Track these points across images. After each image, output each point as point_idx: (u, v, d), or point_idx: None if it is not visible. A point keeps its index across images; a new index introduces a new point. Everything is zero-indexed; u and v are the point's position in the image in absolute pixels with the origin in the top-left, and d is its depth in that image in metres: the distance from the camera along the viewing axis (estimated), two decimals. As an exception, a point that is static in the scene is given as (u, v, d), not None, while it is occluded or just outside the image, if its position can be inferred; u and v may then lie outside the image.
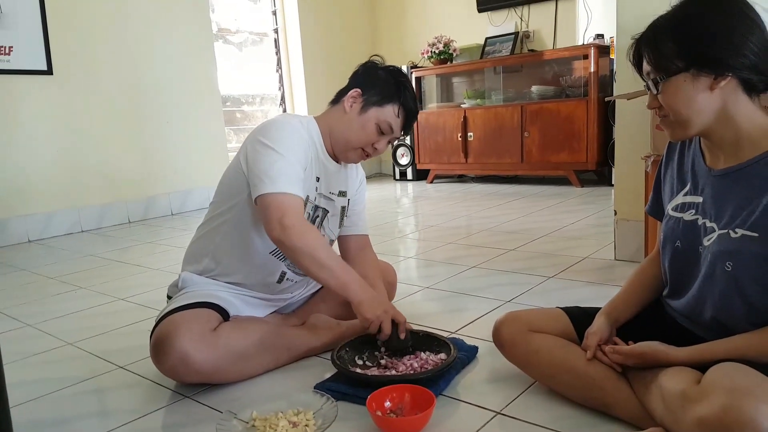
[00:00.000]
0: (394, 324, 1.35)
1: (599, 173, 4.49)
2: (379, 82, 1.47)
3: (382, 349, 1.40)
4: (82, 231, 3.76)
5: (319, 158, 1.49)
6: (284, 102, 5.41)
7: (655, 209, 1.21)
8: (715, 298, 0.99)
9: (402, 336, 1.36)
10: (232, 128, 4.99)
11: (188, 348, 1.28)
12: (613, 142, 4.06)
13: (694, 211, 1.04)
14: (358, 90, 1.47)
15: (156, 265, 2.70)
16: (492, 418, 1.16)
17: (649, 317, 1.16)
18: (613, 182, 4.19)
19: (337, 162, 1.54)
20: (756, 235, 0.92)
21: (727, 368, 0.87)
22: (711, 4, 0.94)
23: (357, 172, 1.67)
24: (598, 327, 1.14)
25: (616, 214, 2.25)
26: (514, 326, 1.23)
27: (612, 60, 4.07)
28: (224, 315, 1.43)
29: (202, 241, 1.56)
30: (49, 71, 3.54)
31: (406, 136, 1.55)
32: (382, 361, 1.38)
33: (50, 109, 3.59)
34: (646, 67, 1.00)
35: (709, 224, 1.00)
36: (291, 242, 1.30)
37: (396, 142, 5.30)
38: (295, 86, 5.40)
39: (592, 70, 4.09)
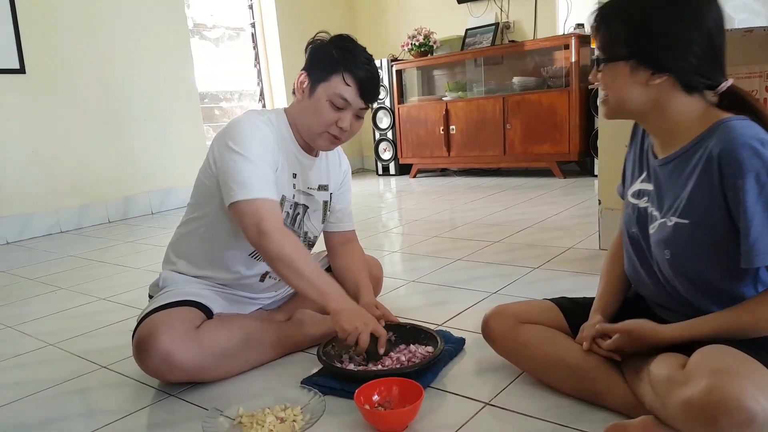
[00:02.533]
0: (374, 337, 1.28)
1: (581, 164, 4.52)
2: (320, 57, 1.37)
3: (354, 356, 1.35)
4: (62, 231, 3.69)
5: (292, 153, 1.44)
6: (263, 97, 5.36)
7: (624, 192, 1.21)
8: (669, 285, 1.02)
9: (381, 351, 1.29)
10: (210, 125, 4.92)
11: (171, 347, 1.26)
12: (596, 133, 4.10)
13: (647, 198, 1.07)
14: (304, 72, 1.40)
15: (137, 265, 2.66)
16: (481, 409, 1.16)
17: (634, 310, 1.15)
18: (595, 172, 4.24)
19: (312, 154, 1.50)
20: (687, 221, 0.95)
21: (711, 350, 0.88)
22: (668, 3, 0.94)
23: (340, 163, 1.62)
24: (594, 323, 1.13)
25: (600, 203, 2.26)
26: (503, 319, 1.22)
27: (593, 50, 4.09)
28: (207, 313, 1.41)
29: (179, 244, 1.53)
30: (21, 70, 3.45)
31: (372, 102, 1.42)
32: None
33: (23, 109, 3.50)
34: (595, 41, 1.02)
35: (654, 212, 1.03)
36: (269, 249, 1.27)
37: (378, 137, 5.29)
38: (273, 81, 5.35)
39: (573, 59, 4.11)
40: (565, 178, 4.32)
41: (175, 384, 1.35)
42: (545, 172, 4.58)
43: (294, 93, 1.45)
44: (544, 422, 1.09)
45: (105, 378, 1.46)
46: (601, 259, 2.12)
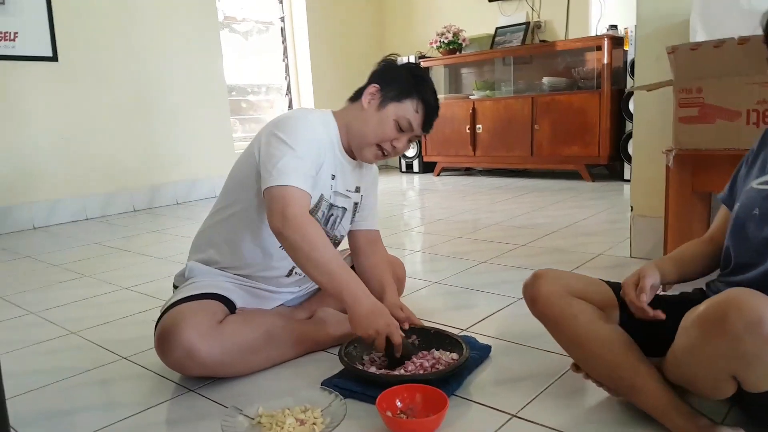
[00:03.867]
0: (390, 341, 1.26)
1: (611, 168, 4.42)
2: (397, 78, 1.43)
3: (376, 358, 1.34)
4: (87, 219, 3.74)
5: (336, 155, 1.45)
6: (290, 92, 5.36)
7: (729, 198, 1.17)
8: None
9: (397, 355, 1.28)
10: (237, 118, 4.94)
11: (194, 340, 1.24)
12: (626, 137, 4.01)
13: None
14: (376, 86, 1.43)
15: (161, 255, 2.67)
16: (507, 421, 1.11)
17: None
18: (625, 177, 4.15)
19: (354, 159, 1.50)
20: None
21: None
22: None
23: (371, 166, 1.62)
24: (645, 266, 1.10)
25: (632, 210, 2.20)
26: (554, 284, 1.14)
27: (626, 52, 4.00)
28: (230, 307, 1.40)
29: (209, 232, 1.52)
30: (54, 58, 3.50)
31: (427, 133, 1.49)
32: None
33: (55, 96, 3.55)
34: None
35: None
36: (289, 235, 1.25)
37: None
38: (301, 76, 5.34)
39: (605, 61, 4.02)
40: (593, 181, 4.23)
41: (195, 379, 1.33)
42: (573, 175, 4.50)
43: (352, 100, 1.48)
44: (574, 438, 1.04)
45: (125, 369, 1.46)
46: (632, 267, 2.05)
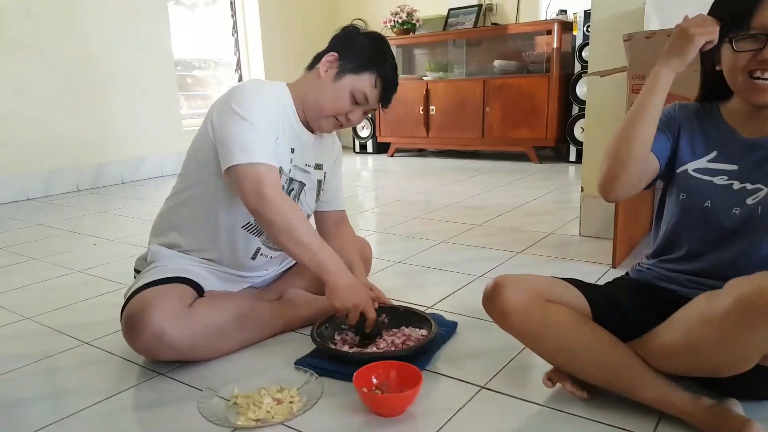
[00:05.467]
0: (363, 316, 1.31)
1: (557, 150, 4.59)
2: (357, 48, 1.39)
3: (347, 328, 1.38)
4: (29, 199, 3.55)
5: (293, 128, 1.43)
6: (240, 67, 5.22)
7: (656, 146, 1.11)
8: (743, 252, 1.02)
9: (367, 330, 1.32)
10: (182, 93, 4.77)
11: (163, 324, 1.23)
12: (572, 120, 4.16)
13: (726, 177, 1.06)
14: (335, 54, 1.39)
15: (112, 236, 2.58)
16: (477, 393, 1.17)
17: (630, 301, 1.16)
18: (570, 159, 4.31)
19: (312, 132, 1.48)
20: None
21: (743, 277, 0.91)
22: None
23: (333, 143, 1.61)
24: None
25: (582, 190, 2.30)
26: (522, 292, 1.06)
27: (574, 36, 4.12)
28: (198, 290, 1.38)
29: (170, 214, 1.49)
30: (-13, 27, 3.27)
31: (385, 108, 1.48)
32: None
33: (-11, 68, 3.33)
34: None
35: (751, 186, 1.03)
36: (268, 214, 1.25)
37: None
38: (251, 51, 5.21)
39: (554, 46, 4.13)
40: (540, 163, 4.38)
41: (164, 363, 1.32)
42: (522, 157, 4.63)
43: (309, 68, 1.44)
44: (541, 407, 1.12)
45: (88, 354, 1.42)
46: (582, 245, 2.18)
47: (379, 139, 5.17)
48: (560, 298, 1.09)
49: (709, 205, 1.06)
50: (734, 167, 1.06)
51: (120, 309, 1.33)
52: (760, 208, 1.01)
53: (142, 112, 4.12)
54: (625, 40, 1.70)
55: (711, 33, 1.00)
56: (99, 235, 2.60)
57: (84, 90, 3.78)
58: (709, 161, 1.09)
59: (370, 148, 5.36)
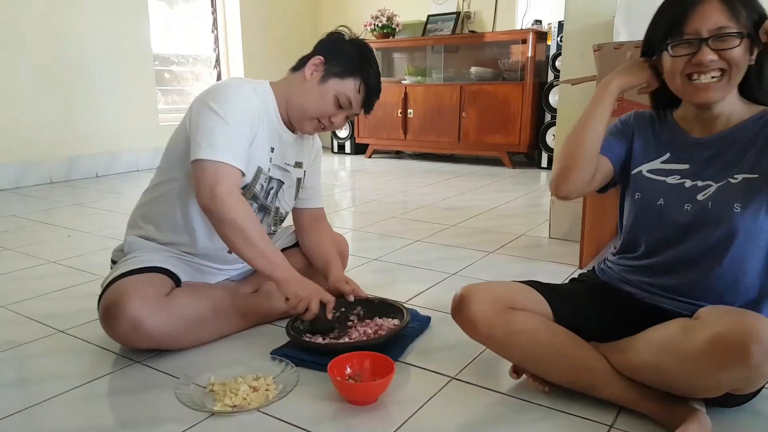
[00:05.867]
0: (322, 304, 1.34)
1: (529, 156, 4.70)
2: (343, 54, 1.43)
3: (304, 328, 1.39)
4: (0, 190, 3.49)
5: (274, 127, 1.45)
6: (219, 64, 5.20)
7: (608, 150, 1.18)
8: (697, 248, 1.07)
9: (329, 316, 1.35)
10: (159, 89, 4.74)
11: (140, 313, 1.25)
12: (545, 127, 4.27)
13: (678, 176, 1.12)
14: (321, 58, 1.43)
15: (85, 229, 2.57)
16: (447, 383, 1.22)
17: (591, 303, 1.21)
18: (542, 165, 4.42)
19: (293, 132, 1.51)
20: (756, 175, 1.02)
21: (719, 307, 0.98)
22: None
23: (313, 142, 1.64)
24: None
25: (552, 195, 2.37)
26: (487, 303, 1.12)
27: (548, 46, 4.23)
28: (176, 281, 1.40)
29: (146, 208, 1.50)
30: (-41, 12, 3.21)
31: (368, 114, 1.52)
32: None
33: (-40, 55, 3.27)
34: (718, 17, 0.99)
35: (701, 183, 1.09)
36: (219, 212, 1.26)
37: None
38: (231, 49, 5.20)
39: (529, 54, 4.23)
40: (514, 168, 4.48)
41: (140, 351, 1.34)
42: (496, 161, 4.73)
43: (294, 70, 1.47)
44: (508, 397, 1.17)
45: (63, 342, 1.43)
46: (551, 247, 2.26)
47: (358, 140, 5.21)
48: (523, 304, 1.15)
49: (662, 203, 1.12)
50: (686, 166, 1.12)
51: (97, 298, 1.34)
52: (710, 203, 1.06)
53: (119, 106, 4.08)
54: (595, 50, 1.77)
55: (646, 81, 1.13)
56: (73, 227, 2.58)
57: (59, 81, 3.73)
58: (662, 162, 1.15)
59: (348, 149, 5.39)
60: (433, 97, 4.70)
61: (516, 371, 1.20)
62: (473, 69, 4.61)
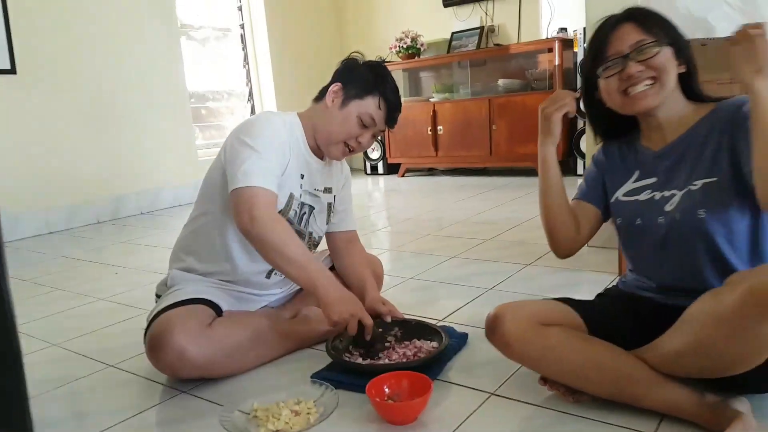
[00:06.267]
0: (362, 325, 1.35)
1: (564, 164, 4.62)
2: (358, 76, 1.49)
3: (349, 345, 1.42)
4: (51, 232, 3.66)
5: (302, 156, 1.51)
6: (252, 98, 5.37)
7: (587, 195, 1.29)
8: (695, 252, 1.08)
9: (367, 338, 1.36)
10: (197, 125, 4.92)
11: (184, 343, 1.29)
12: (578, 134, 4.21)
13: (649, 191, 1.16)
14: (339, 84, 1.49)
15: (132, 265, 2.67)
16: (486, 399, 1.22)
17: (619, 312, 1.21)
18: (578, 172, 4.35)
19: (321, 159, 1.56)
20: (715, 179, 1.06)
21: (742, 271, 0.98)
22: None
23: (342, 167, 1.69)
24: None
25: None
26: (521, 321, 1.12)
27: (575, 53, 4.20)
28: (217, 311, 1.44)
29: (186, 241, 1.57)
30: (12, 70, 3.42)
31: (392, 128, 1.55)
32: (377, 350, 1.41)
33: (14, 109, 3.47)
34: (634, 35, 1.09)
35: (668, 193, 1.12)
36: (258, 234, 1.30)
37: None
38: (263, 82, 5.36)
39: (556, 63, 4.21)
40: (549, 178, 4.41)
41: (185, 381, 1.38)
42: (530, 172, 4.68)
43: (316, 100, 1.54)
44: (548, 410, 1.15)
45: (113, 376, 1.49)
46: (588, 256, 2.22)
47: (390, 160, 5.26)
48: (556, 319, 1.15)
49: (640, 222, 1.16)
50: (653, 180, 1.16)
51: (143, 332, 1.40)
52: (678, 214, 1.09)
53: (158, 145, 4.26)
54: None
55: (562, 106, 1.22)
56: (120, 264, 2.69)
57: (102, 126, 3.93)
58: (634, 182, 1.19)
59: (381, 170, 5.44)
60: (462, 112, 4.71)
61: (543, 378, 1.18)
62: (501, 81, 4.60)
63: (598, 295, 1.32)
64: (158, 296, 1.57)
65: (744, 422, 0.96)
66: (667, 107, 1.13)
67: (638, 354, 1.09)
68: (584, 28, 3.86)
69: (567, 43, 4.27)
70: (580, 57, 4.08)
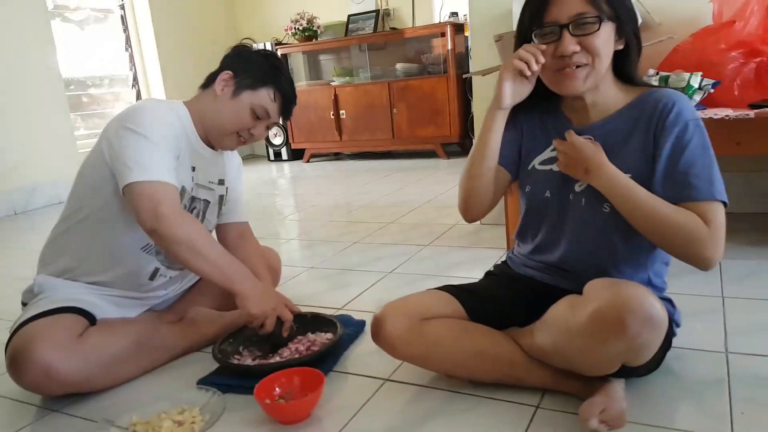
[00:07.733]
0: (279, 321, 1.32)
1: (462, 145, 4.75)
2: (251, 65, 1.41)
3: (240, 346, 1.38)
4: None
5: (193, 146, 1.41)
6: (137, 83, 5.01)
7: (504, 159, 1.19)
8: (591, 241, 1.10)
9: (285, 334, 1.33)
10: (78, 114, 4.53)
11: (50, 358, 1.17)
12: (472, 116, 4.32)
13: None
14: (230, 72, 1.40)
15: (2, 272, 2.41)
16: (381, 386, 1.21)
17: (502, 292, 1.22)
18: (476, 153, 4.48)
19: (213, 149, 1.47)
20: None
21: (603, 280, 0.99)
22: None
23: (233, 156, 1.60)
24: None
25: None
26: (401, 320, 1.11)
27: (467, 37, 4.28)
28: (90, 319, 1.32)
29: (60, 240, 1.42)
30: None
31: (287, 121, 1.49)
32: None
33: None
34: (576, 5, 1.00)
35: None
36: (167, 232, 1.21)
37: (266, 123, 5.17)
38: (148, 66, 5.02)
39: (449, 47, 4.27)
40: (448, 158, 4.52)
41: (60, 398, 1.25)
42: (431, 154, 4.76)
43: (204, 87, 1.44)
44: (440, 390, 1.17)
45: (-28, 400, 1.32)
46: (482, 233, 2.28)
47: (293, 146, 5.14)
48: (437, 311, 1.14)
49: (549, 195, 1.15)
50: None
51: (4, 346, 1.25)
52: (583, 199, 1.09)
53: (32, 137, 3.86)
54: (496, 41, 1.80)
55: (516, 66, 1.06)
56: (-13, 273, 2.42)
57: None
58: (551, 151, 1.15)
59: (285, 156, 5.31)
60: (363, 96, 4.68)
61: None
62: (398, 65, 4.62)
63: (487, 273, 1.34)
64: (24, 305, 1.41)
65: (607, 391, 1.00)
66: (595, 89, 1.07)
67: (515, 337, 1.13)
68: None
69: (459, 28, 4.35)
70: (471, 42, 4.17)
